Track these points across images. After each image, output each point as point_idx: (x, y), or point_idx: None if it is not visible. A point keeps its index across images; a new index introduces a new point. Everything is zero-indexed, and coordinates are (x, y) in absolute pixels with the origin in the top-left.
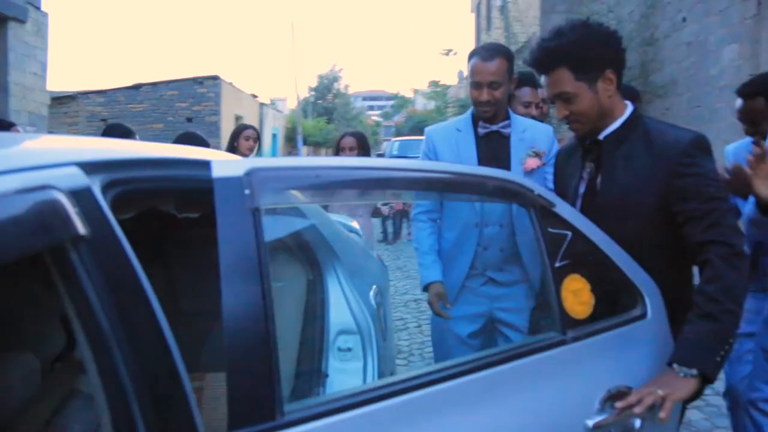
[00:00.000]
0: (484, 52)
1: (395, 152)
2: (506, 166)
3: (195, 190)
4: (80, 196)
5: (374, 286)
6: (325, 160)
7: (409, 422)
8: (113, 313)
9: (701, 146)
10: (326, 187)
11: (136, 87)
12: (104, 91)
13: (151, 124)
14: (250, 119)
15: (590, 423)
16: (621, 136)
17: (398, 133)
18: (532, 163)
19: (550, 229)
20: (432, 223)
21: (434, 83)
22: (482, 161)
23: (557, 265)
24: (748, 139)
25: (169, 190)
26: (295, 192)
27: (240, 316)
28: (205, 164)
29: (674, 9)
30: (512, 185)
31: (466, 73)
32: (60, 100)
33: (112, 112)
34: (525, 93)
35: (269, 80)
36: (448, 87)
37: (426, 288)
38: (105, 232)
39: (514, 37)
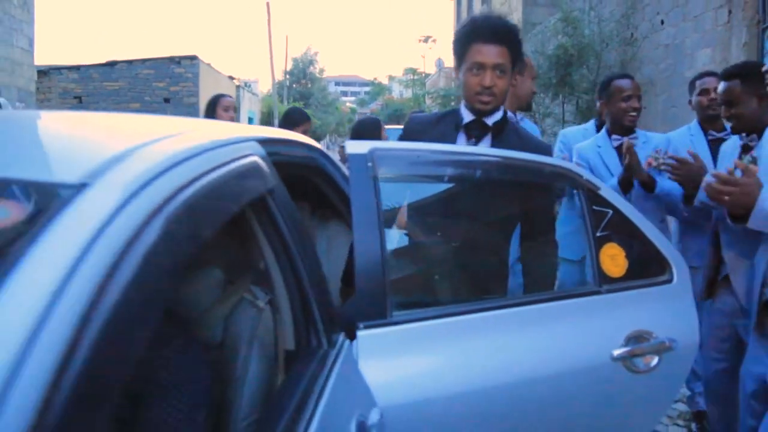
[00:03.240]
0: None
1: None
2: None
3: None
4: (264, 160)
5: None
6: (425, 145)
7: (483, 332)
8: (295, 239)
9: None
10: (422, 165)
11: (111, 64)
12: (78, 67)
13: (127, 103)
14: None
15: (615, 353)
16: (501, 126)
17: None
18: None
19: (594, 207)
20: None
21: (411, 70)
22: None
23: (598, 234)
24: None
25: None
26: (401, 167)
27: (365, 248)
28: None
29: (653, 11)
30: (565, 171)
31: (446, 62)
32: None
33: (86, 90)
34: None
35: (240, 60)
36: (426, 75)
37: None
38: (279, 185)
39: None
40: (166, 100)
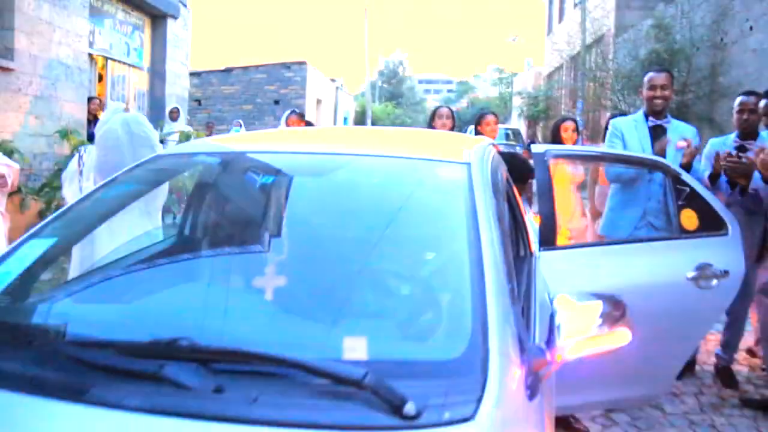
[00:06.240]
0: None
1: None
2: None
3: None
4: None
5: None
6: (570, 146)
7: (610, 256)
8: (514, 199)
9: None
10: (571, 157)
11: (228, 70)
12: (199, 73)
13: (241, 105)
14: (328, 102)
15: (689, 275)
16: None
17: (459, 119)
18: (680, 144)
19: (677, 186)
20: None
21: (498, 69)
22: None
23: (679, 203)
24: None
25: None
26: (564, 159)
27: (544, 207)
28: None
29: (742, 18)
30: (659, 163)
31: (534, 62)
32: None
33: (205, 93)
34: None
35: (326, 59)
36: (514, 74)
37: None
38: (502, 171)
39: (593, 28)
40: (276, 102)
